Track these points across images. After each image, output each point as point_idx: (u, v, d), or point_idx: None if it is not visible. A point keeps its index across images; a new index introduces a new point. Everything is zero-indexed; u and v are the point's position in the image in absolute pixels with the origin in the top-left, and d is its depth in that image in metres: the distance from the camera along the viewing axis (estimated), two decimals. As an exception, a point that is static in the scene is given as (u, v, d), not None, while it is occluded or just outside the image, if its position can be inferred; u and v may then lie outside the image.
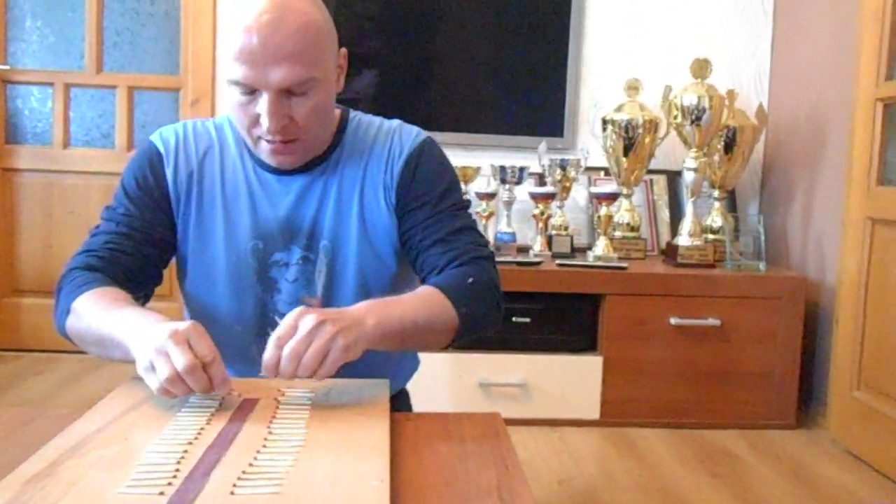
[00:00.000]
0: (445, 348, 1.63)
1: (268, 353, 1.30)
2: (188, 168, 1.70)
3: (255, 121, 1.55)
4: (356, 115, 1.78)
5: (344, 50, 1.66)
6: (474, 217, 1.77)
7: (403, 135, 1.74)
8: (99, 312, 1.46)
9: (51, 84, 4.37)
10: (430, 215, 1.68)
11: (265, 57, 1.47)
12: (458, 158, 4.24)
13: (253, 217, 1.68)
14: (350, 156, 1.71)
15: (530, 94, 4.39)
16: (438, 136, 4.16)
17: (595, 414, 3.73)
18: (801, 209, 4.14)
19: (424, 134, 1.77)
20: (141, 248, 1.65)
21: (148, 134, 4.28)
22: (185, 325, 1.30)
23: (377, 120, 1.78)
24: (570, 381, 3.72)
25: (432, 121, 4.32)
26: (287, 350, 1.27)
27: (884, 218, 3.34)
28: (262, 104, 1.51)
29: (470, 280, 1.60)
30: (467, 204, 1.76)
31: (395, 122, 1.77)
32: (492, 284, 1.65)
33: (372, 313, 1.42)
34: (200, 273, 1.72)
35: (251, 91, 1.52)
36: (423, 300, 1.55)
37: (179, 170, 1.69)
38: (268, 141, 1.57)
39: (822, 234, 3.91)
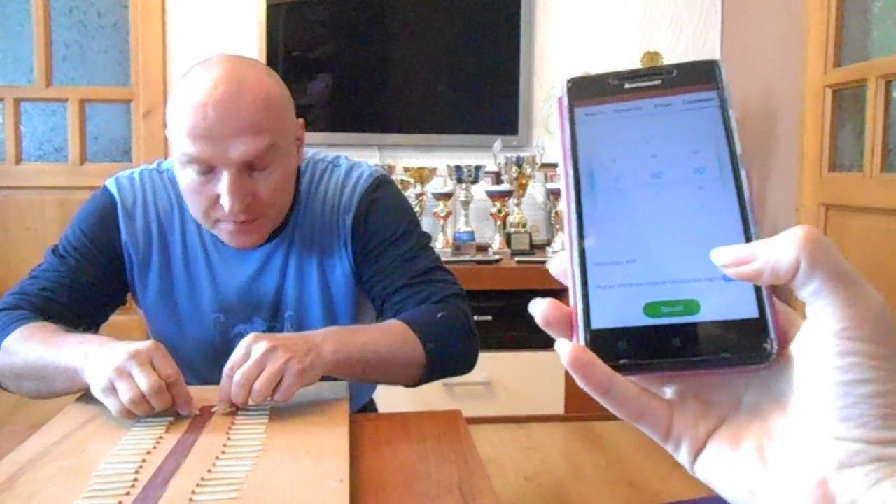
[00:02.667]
0: (414, 386, 1.55)
1: (221, 384, 1.29)
2: (147, 233, 1.62)
3: (214, 202, 1.44)
4: (306, 169, 1.67)
5: (301, 120, 1.59)
6: (436, 253, 1.70)
7: (348, 186, 1.65)
8: (35, 345, 1.40)
9: (0, 99, 4.31)
10: (392, 261, 1.61)
11: (224, 131, 1.38)
12: (413, 159, 4.26)
13: (213, 289, 1.62)
14: (305, 222, 1.63)
15: (484, 93, 4.40)
16: (393, 138, 4.21)
17: (560, 409, 3.75)
18: (755, 198, 4.18)
19: (372, 177, 1.68)
20: (80, 302, 1.57)
21: (101, 146, 4.31)
22: (145, 344, 1.28)
23: (326, 167, 1.69)
24: (533, 377, 3.73)
25: (387, 123, 4.32)
26: (237, 377, 1.26)
27: (836, 203, 3.39)
28: (223, 183, 1.41)
29: (439, 315, 1.54)
30: (428, 240, 1.70)
31: (342, 169, 1.68)
32: (464, 322, 1.58)
33: (330, 340, 1.38)
34: (165, 340, 1.63)
35: (208, 170, 1.42)
36: (388, 332, 1.49)
37: (137, 232, 1.61)
38: (229, 222, 1.48)
39: (777, 222, 3.95)
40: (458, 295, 1.62)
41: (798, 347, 0.44)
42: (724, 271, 0.45)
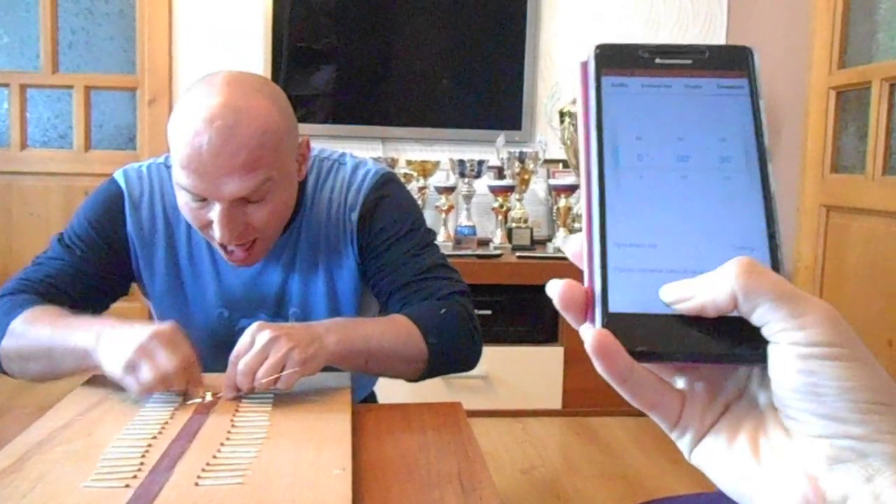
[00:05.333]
0: (416, 381, 1.57)
1: (227, 371, 1.32)
2: (152, 226, 1.62)
3: (209, 225, 1.44)
4: (312, 167, 1.65)
5: (306, 138, 1.57)
6: (441, 251, 1.71)
7: (354, 185, 1.64)
8: (43, 326, 1.42)
9: (6, 85, 4.31)
10: (397, 257, 1.61)
11: (217, 168, 1.36)
12: (416, 153, 4.26)
13: (218, 284, 1.64)
14: (311, 221, 1.63)
15: (488, 88, 4.40)
16: (397, 131, 4.21)
17: (557, 404, 3.76)
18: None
19: (378, 174, 1.66)
20: (83, 291, 1.58)
21: (106, 134, 4.32)
22: (166, 326, 1.32)
23: (332, 165, 1.68)
24: (532, 372, 3.75)
25: (390, 116, 4.32)
26: (241, 365, 1.28)
27: (838, 205, 3.39)
28: (215, 213, 1.41)
29: (442, 311, 1.55)
30: (433, 238, 1.70)
31: (348, 167, 1.67)
32: (466, 319, 1.59)
33: (334, 330, 1.40)
34: None
35: (201, 199, 1.41)
36: (392, 325, 1.50)
37: (142, 224, 1.62)
38: (222, 246, 1.48)
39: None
40: (462, 293, 1.63)
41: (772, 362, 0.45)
42: (673, 307, 0.46)
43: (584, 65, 0.52)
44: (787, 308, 0.43)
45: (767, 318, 0.43)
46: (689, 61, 0.51)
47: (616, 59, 0.51)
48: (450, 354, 1.56)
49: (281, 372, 1.28)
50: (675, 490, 2.93)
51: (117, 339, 1.30)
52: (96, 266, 1.60)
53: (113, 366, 1.29)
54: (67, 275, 1.58)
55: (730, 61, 0.51)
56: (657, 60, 0.51)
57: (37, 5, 4.26)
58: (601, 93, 0.50)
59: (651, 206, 0.48)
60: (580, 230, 0.50)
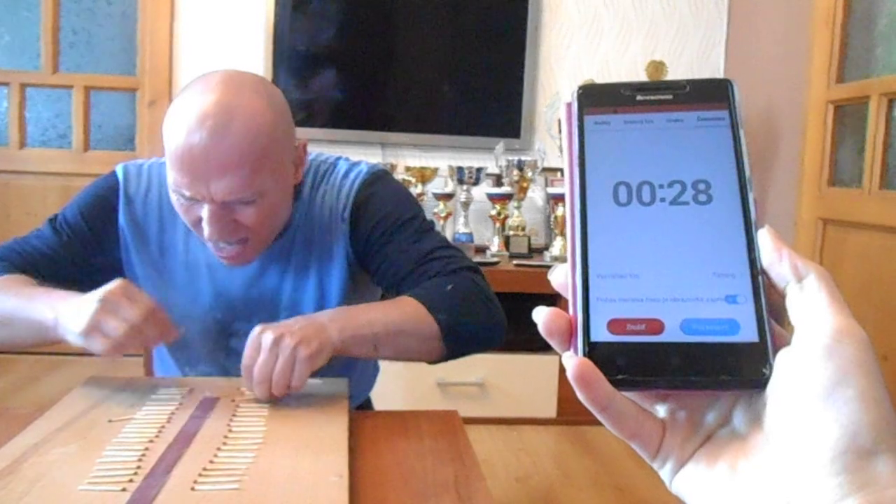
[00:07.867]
0: (439, 361, 1.53)
1: (244, 382, 1.32)
2: (146, 223, 1.61)
3: (199, 222, 1.43)
4: (308, 171, 1.64)
5: (303, 141, 1.55)
6: (443, 235, 1.68)
7: (345, 186, 1.62)
8: (8, 295, 1.42)
9: (6, 84, 4.31)
10: (398, 246, 1.58)
11: (207, 168, 1.34)
12: (415, 159, 4.26)
13: (212, 287, 1.62)
14: (306, 224, 1.61)
15: (487, 95, 4.40)
16: (396, 137, 4.20)
17: (552, 412, 3.76)
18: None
19: (369, 172, 1.65)
20: (58, 277, 1.55)
21: (105, 134, 4.32)
22: (116, 283, 1.32)
23: (328, 168, 1.66)
24: (527, 380, 3.74)
25: (390, 121, 4.33)
26: (256, 374, 1.28)
27: (835, 218, 3.40)
28: (204, 211, 1.40)
29: (448, 287, 1.51)
30: (432, 225, 1.67)
31: (341, 170, 1.65)
32: (476, 292, 1.56)
33: (336, 319, 1.38)
34: None
35: (192, 197, 1.40)
36: (397, 307, 1.48)
37: (136, 218, 1.61)
38: (214, 245, 1.47)
39: (775, 235, 3.94)
40: (468, 268, 1.59)
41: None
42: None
43: (569, 105, 0.53)
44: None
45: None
46: (669, 96, 0.52)
47: (598, 98, 0.53)
48: (464, 329, 1.51)
49: (292, 371, 1.28)
50: (667, 501, 2.92)
51: (74, 306, 1.30)
52: (77, 255, 1.60)
53: (75, 333, 1.28)
54: (47, 258, 1.58)
55: (710, 94, 0.52)
56: (638, 97, 0.52)
57: (38, 5, 4.26)
58: (584, 131, 0.52)
59: (633, 237, 0.49)
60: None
